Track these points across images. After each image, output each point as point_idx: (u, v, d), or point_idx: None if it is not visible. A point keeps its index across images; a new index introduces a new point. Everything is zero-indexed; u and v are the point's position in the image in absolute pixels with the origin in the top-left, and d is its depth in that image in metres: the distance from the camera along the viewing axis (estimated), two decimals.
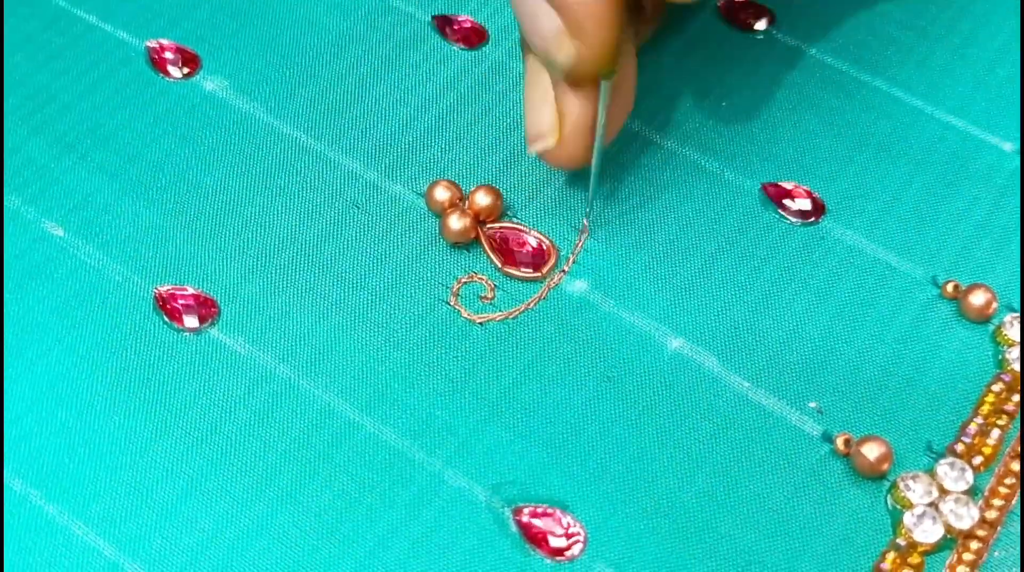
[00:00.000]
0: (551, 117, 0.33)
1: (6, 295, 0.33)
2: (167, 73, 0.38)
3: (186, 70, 0.38)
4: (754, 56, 0.38)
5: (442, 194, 0.35)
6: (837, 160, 0.36)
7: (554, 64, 0.31)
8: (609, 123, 0.33)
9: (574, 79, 0.32)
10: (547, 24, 0.31)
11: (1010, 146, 0.36)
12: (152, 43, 0.38)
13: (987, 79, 0.38)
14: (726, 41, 0.39)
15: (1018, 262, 0.34)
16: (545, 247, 0.34)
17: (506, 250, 0.34)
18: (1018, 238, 0.34)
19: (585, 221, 0.35)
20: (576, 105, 0.32)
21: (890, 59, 0.38)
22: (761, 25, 0.39)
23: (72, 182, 0.35)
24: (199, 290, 0.33)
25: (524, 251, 0.34)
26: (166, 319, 0.33)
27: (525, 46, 0.33)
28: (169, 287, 0.33)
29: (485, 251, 0.34)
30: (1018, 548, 0.29)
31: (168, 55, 0.38)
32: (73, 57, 0.38)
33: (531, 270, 0.34)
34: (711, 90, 0.37)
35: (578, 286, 0.34)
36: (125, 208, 0.35)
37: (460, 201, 0.35)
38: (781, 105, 0.37)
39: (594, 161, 0.33)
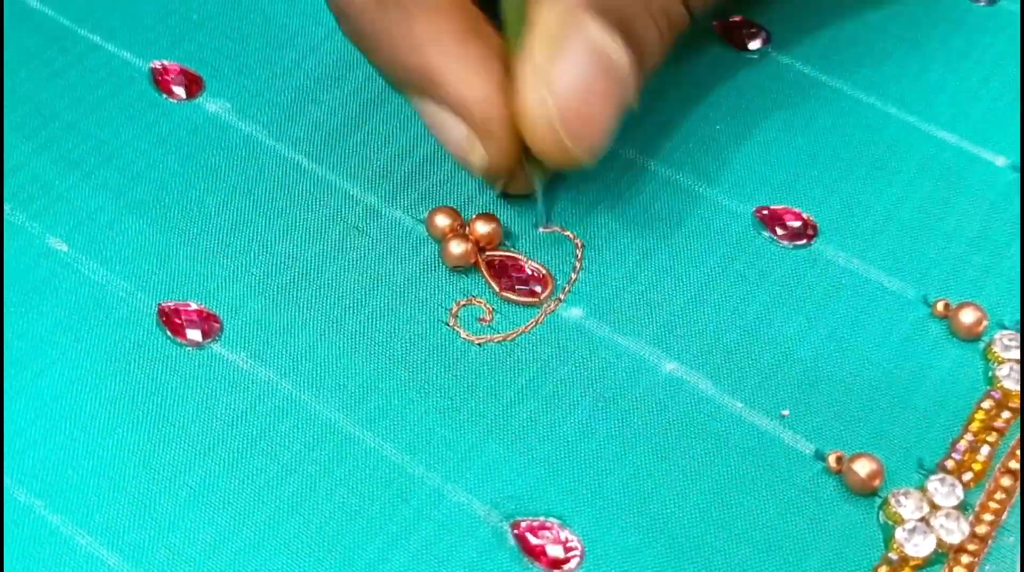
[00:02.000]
0: (464, 127, 0.33)
1: (10, 309, 0.33)
2: (171, 94, 0.38)
3: (189, 91, 0.38)
4: (750, 76, 0.39)
5: (443, 221, 0.35)
6: (830, 180, 0.36)
7: (470, 167, 0.33)
8: None
9: (491, 177, 0.34)
10: (456, 132, 0.32)
11: (1002, 160, 0.37)
12: (156, 64, 0.39)
13: (980, 94, 0.38)
14: (721, 61, 0.39)
15: (1009, 279, 0.34)
16: (542, 275, 0.35)
17: (504, 277, 0.35)
18: (1009, 254, 0.35)
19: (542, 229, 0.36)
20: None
21: (885, 75, 0.39)
22: (756, 45, 0.40)
23: (76, 199, 0.36)
24: (202, 306, 0.34)
25: (521, 278, 0.35)
26: (169, 334, 0.33)
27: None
28: (172, 303, 0.34)
29: (484, 276, 0.35)
30: (1007, 563, 0.30)
31: (172, 76, 0.39)
32: (77, 76, 0.39)
33: (528, 296, 0.34)
34: (706, 112, 0.38)
35: (574, 313, 0.34)
36: (129, 225, 0.35)
37: (460, 227, 0.35)
38: (776, 126, 0.38)
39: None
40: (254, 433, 0.32)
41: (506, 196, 0.36)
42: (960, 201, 0.36)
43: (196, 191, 0.36)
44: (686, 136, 0.37)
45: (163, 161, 0.37)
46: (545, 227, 0.36)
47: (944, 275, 0.34)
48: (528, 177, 0.34)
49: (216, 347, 0.33)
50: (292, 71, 0.39)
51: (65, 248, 0.35)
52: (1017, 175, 0.37)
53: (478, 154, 0.32)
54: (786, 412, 0.32)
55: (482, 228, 0.35)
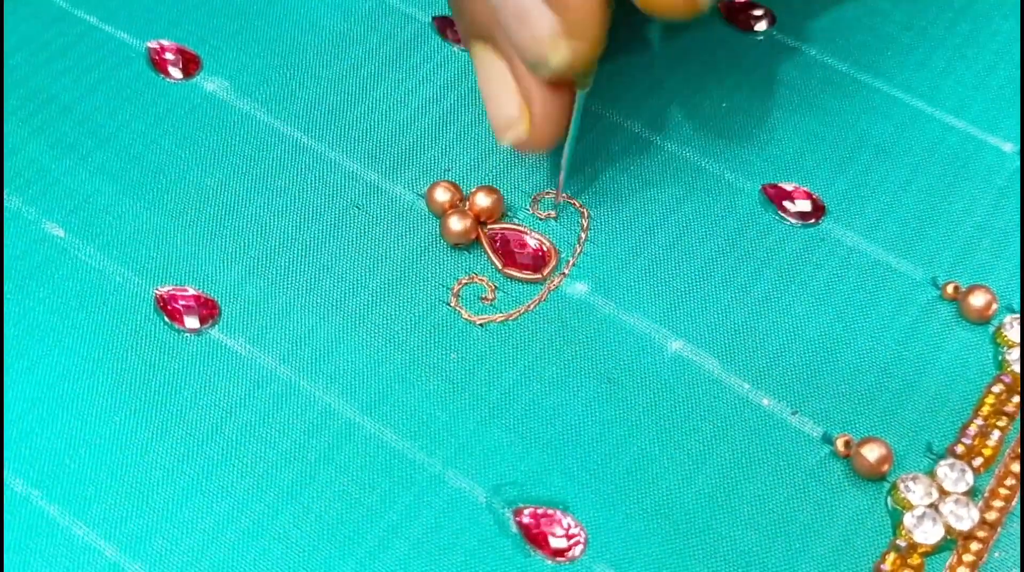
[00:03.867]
0: (516, 104, 0.32)
1: (7, 295, 0.33)
2: (168, 74, 0.38)
3: (187, 71, 0.38)
4: (755, 57, 0.38)
5: (442, 195, 0.35)
6: (837, 161, 0.36)
7: (542, 66, 0.31)
8: None
9: (558, 80, 0.31)
10: (541, 24, 0.30)
11: (1010, 146, 0.36)
12: (153, 44, 0.38)
13: (987, 79, 0.38)
14: (727, 42, 0.39)
15: (1018, 263, 0.34)
16: (546, 249, 0.34)
17: (507, 251, 0.34)
18: (1017, 239, 0.34)
19: (557, 196, 0.35)
20: (545, 91, 0.32)
21: (890, 60, 0.38)
22: (762, 26, 0.39)
23: (73, 183, 0.35)
24: (200, 291, 0.33)
25: (525, 252, 0.34)
26: (167, 320, 0.33)
27: (470, 37, 0.33)
28: (170, 288, 0.33)
29: (486, 252, 0.34)
30: (1018, 549, 0.29)
31: (169, 56, 0.38)
32: (74, 58, 0.38)
33: (531, 272, 0.34)
34: (711, 91, 0.37)
35: (578, 288, 0.34)
36: (126, 209, 0.35)
37: (460, 202, 0.35)
38: (781, 106, 0.37)
39: (565, 161, 0.34)
40: (253, 420, 0.31)
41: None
42: (968, 185, 0.35)
43: (194, 172, 0.36)
44: (692, 113, 0.37)
45: (160, 142, 0.36)
46: (559, 196, 0.35)
47: (953, 258, 0.34)
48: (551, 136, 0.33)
49: (214, 333, 0.33)
50: (290, 48, 0.38)
51: (62, 233, 0.34)
52: None
53: (561, 52, 0.30)
54: (795, 413, 0.31)
55: (483, 201, 0.34)
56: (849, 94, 0.37)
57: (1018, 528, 0.30)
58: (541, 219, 0.35)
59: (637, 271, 0.34)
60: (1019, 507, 0.30)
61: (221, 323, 0.33)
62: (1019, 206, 0.35)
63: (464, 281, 0.34)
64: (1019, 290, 0.33)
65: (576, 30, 0.30)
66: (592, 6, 0.29)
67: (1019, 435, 0.31)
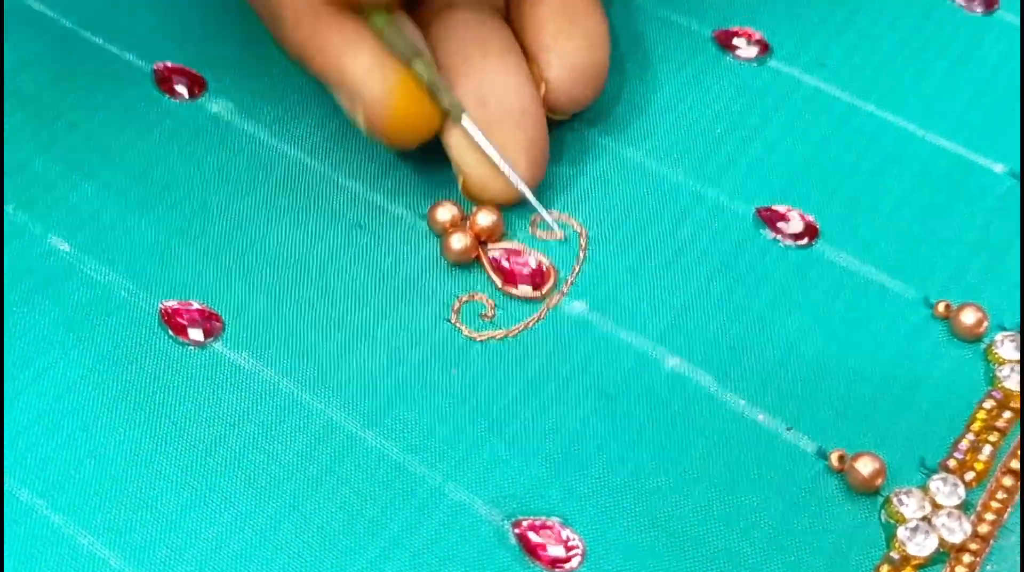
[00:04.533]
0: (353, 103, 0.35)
1: (13, 309, 0.33)
2: (173, 94, 0.38)
3: (192, 92, 0.38)
4: (748, 83, 0.39)
5: (444, 214, 0.35)
6: (830, 184, 0.36)
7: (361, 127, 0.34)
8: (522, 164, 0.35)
9: (401, 145, 0.35)
10: (348, 104, 0.34)
11: (1001, 167, 0.37)
12: (159, 65, 0.39)
13: (979, 101, 0.38)
14: (720, 67, 0.39)
15: (1009, 282, 0.34)
16: (545, 268, 0.35)
17: (506, 270, 0.35)
18: (1008, 258, 0.35)
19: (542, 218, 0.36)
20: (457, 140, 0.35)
21: (882, 83, 0.39)
22: (754, 53, 0.40)
23: (78, 199, 0.36)
24: (204, 305, 0.34)
25: (524, 271, 0.35)
26: (171, 333, 0.33)
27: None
28: (175, 302, 0.34)
29: (486, 271, 0.35)
30: (1009, 562, 0.30)
31: (174, 77, 0.39)
32: (81, 78, 0.39)
33: (531, 290, 0.34)
34: (705, 116, 0.38)
35: (577, 307, 0.34)
36: (131, 225, 0.35)
37: (462, 221, 0.35)
38: (774, 131, 0.38)
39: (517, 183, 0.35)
40: (256, 432, 0.32)
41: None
42: (959, 207, 0.36)
43: (198, 191, 0.36)
44: (686, 138, 0.38)
45: (165, 161, 0.37)
46: (545, 216, 0.35)
47: (945, 278, 0.34)
48: (504, 186, 0.35)
49: (218, 346, 0.33)
50: (294, 69, 0.38)
51: (67, 248, 0.35)
52: (1015, 181, 0.37)
53: (360, 116, 0.34)
54: (790, 429, 0.32)
55: (484, 220, 0.35)
56: (842, 118, 0.38)
57: (1009, 542, 0.30)
58: (540, 239, 0.35)
59: (634, 290, 0.34)
60: (1018, 521, 0.30)
61: (225, 337, 0.33)
62: (1011, 225, 0.35)
63: (464, 299, 0.34)
64: (1012, 308, 0.34)
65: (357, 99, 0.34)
66: (375, 83, 0.33)
67: (1011, 449, 0.31)
